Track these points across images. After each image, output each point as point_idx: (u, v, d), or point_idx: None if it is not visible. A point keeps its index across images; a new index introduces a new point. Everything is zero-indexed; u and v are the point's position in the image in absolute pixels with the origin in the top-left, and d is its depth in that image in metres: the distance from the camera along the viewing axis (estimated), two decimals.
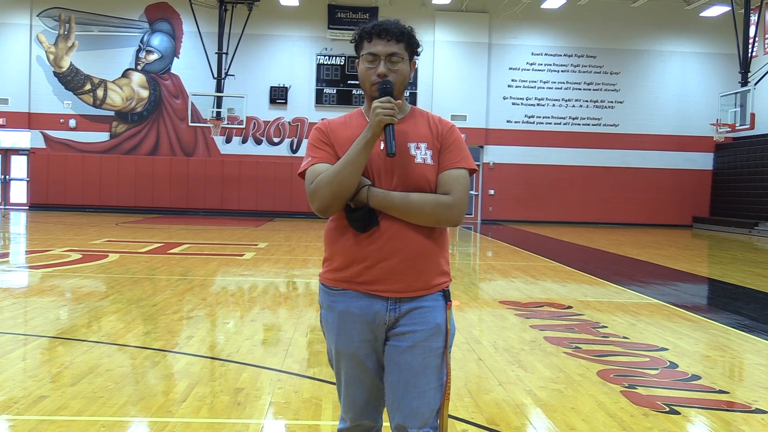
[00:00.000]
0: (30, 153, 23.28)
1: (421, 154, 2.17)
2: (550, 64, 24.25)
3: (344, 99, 23.46)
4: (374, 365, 2.22)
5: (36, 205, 23.06)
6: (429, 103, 23.31)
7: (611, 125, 24.35)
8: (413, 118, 2.26)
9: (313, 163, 2.17)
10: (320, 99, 23.59)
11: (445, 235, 2.24)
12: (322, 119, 2.33)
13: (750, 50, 19.56)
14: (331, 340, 2.25)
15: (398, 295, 2.15)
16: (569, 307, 7.17)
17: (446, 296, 2.22)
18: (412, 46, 2.23)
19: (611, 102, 24.36)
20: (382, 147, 2.13)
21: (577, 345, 5.41)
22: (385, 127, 2.07)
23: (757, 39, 20.78)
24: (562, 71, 24.26)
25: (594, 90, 24.35)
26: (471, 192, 24.57)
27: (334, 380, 2.37)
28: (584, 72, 24.31)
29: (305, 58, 23.62)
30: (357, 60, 2.26)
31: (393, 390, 2.17)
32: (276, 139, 23.80)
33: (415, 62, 2.28)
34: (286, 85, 23.61)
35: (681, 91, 24.41)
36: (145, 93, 23.58)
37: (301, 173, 2.20)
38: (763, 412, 3.92)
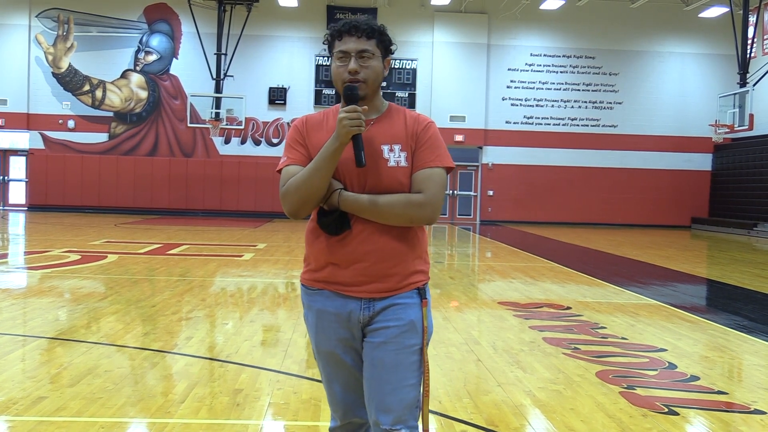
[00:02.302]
0: (29, 154, 23.27)
1: (395, 156, 2.16)
2: (549, 65, 24.26)
3: None
4: (353, 362, 2.23)
5: (35, 206, 23.04)
6: (428, 103, 23.32)
7: (610, 126, 24.36)
8: (389, 117, 2.23)
9: (287, 164, 2.20)
10: (319, 100, 23.59)
11: (420, 235, 2.24)
12: (306, 118, 2.32)
13: (749, 51, 19.57)
14: (312, 339, 2.28)
15: (371, 296, 2.16)
16: (568, 308, 7.18)
17: (421, 294, 2.21)
18: (385, 43, 2.21)
19: (610, 103, 24.38)
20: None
21: (576, 346, 5.41)
22: (353, 138, 2.06)
23: (755, 40, 20.80)
24: (560, 72, 24.28)
25: (593, 91, 24.36)
26: (470, 193, 24.46)
27: None
28: (583, 73, 24.32)
29: (304, 58, 23.63)
30: (330, 60, 2.24)
31: (368, 386, 2.19)
32: (275, 140, 23.81)
33: (390, 60, 2.26)
34: (285, 86, 23.62)
35: (680, 91, 24.43)
36: (143, 94, 23.57)
37: (278, 171, 2.23)
38: (762, 412, 3.92)
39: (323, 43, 2.29)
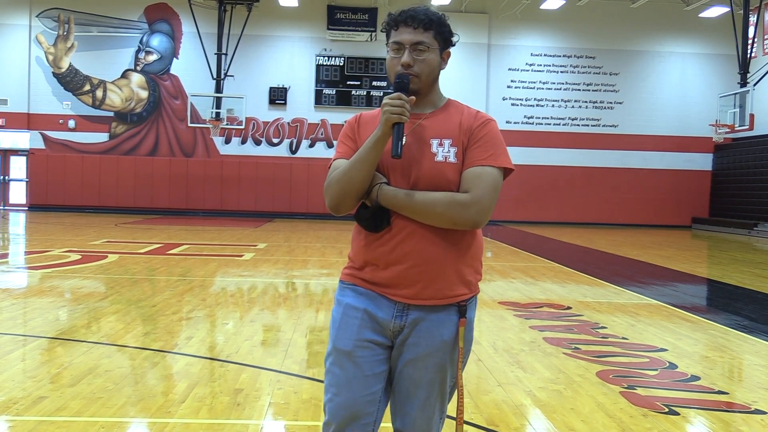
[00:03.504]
0: (29, 154, 23.27)
1: (443, 151, 2.01)
2: (550, 65, 24.26)
3: (344, 100, 23.46)
4: (371, 371, 2.05)
5: (35, 206, 23.05)
6: None
7: (611, 126, 24.36)
8: (446, 111, 2.10)
9: (336, 158, 2.10)
10: (319, 100, 23.58)
11: (470, 240, 2.06)
12: (360, 114, 2.22)
13: (749, 51, 19.57)
14: (331, 336, 2.12)
15: (408, 301, 2.02)
16: (568, 308, 7.18)
17: (461, 311, 2.05)
18: (444, 35, 2.07)
19: (610, 103, 24.37)
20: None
21: (577, 346, 5.41)
22: (393, 126, 1.94)
23: (756, 40, 20.79)
24: (561, 72, 24.27)
25: (593, 91, 24.36)
26: None
27: None
28: (583, 73, 24.32)
29: (304, 58, 23.62)
30: (388, 50, 2.12)
31: (395, 398, 2.12)
32: (275, 140, 23.80)
33: (449, 53, 2.11)
34: (285, 86, 23.61)
35: (680, 91, 24.42)
36: (144, 94, 23.57)
37: (328, 167, 2.13)
38: (763, 412, 3.92)
39: (381, 31, 2.21)
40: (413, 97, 2.01)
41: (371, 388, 2.05)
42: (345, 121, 2.21)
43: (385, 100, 1.95)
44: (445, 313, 2.05)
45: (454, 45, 2.12)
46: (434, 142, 2.03)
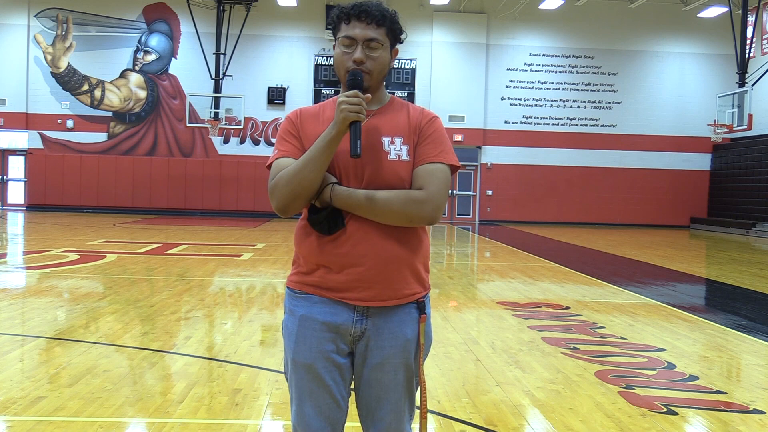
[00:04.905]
0: (27, 153, 23.25)
1: (396, 149, 1.99)
2: (548, 65, 24.27)
3: None
4: (333, 381, 2.02)
5: (33, 206, 23.03)
6: (427, 103, 23.30)
7: (609, 126, 24.37)
8: (392, 109, 2.07)
9: (278, 157, 2.01)
10: (318, 99, 23.57)
11: (421, 238, 2.06)
12: (300, 109, 2.14)
13: (747, 51, 19.58)
14: (288, 349, 2.06)
15: (367, 304, 1.98)
16: (567, 308, 7.18)
17: (420, 308, 2.04)
18: (395, 32, 2.04)
19: (609, 103, 24.39)
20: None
21: (575, 345, 5.42)
22: (350, 125, 1.90)
23: (754, 40, 20.81)
24: (559, 72, 24.28)
25: (592, 91, 24.37)
26: (469, 192, 24.41)
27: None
28: (582, 73, 24.33)
29: (303, 58, 23.61)
30: (334, 43, 2.04)
31: (365, 404, 2.08)
32: (274, 140, 23.71)
33: (398, 50, 2.09)
34: (284, 86, 23.61)
35: (678, 91, 24.45)
36: (142, 93, 23.56)
37: (268, 166, 2.03)
38: (761, 412, 3.92)
39: (328, 25, 2.16)
40: (369, 95, 1.97)
41: (336, 397, 2.04)
42: (285, 117, 2.11)
43: (341, 98, 1.91)
44: (404, 312, 2.03)
45: (402, 42, 2.10)
46: (386, 140, 2.00)
